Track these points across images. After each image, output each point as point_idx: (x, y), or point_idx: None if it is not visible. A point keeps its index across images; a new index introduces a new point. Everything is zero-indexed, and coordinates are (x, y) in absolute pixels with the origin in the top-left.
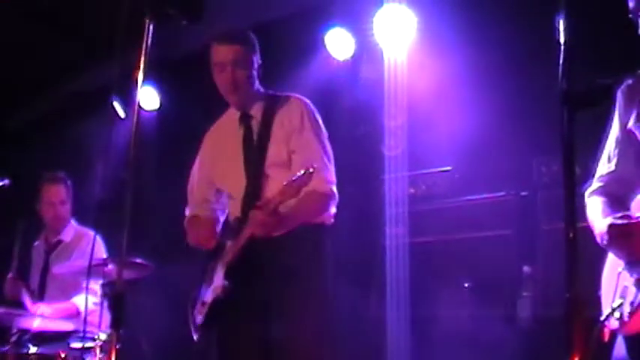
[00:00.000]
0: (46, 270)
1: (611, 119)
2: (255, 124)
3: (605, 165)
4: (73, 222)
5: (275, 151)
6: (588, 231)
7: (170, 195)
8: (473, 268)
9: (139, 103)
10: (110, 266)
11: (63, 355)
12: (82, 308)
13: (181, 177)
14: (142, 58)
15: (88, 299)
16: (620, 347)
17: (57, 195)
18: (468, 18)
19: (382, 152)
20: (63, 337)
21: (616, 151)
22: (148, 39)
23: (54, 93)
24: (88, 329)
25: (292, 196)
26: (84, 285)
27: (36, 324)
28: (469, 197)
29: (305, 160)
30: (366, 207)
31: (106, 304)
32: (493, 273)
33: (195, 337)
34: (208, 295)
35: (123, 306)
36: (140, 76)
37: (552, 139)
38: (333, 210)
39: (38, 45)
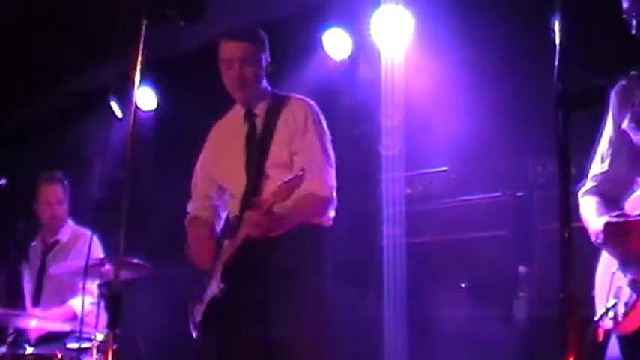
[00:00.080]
0: (42, 270)
1: (605, 120)
2: (259, 123)
3: (599, 165)
4: (70, 222)
5: (277, 151)
6: (583, 231)
7: (167, 195)
8: (469, 268)
9: (136, 104)
10: (107, 266)
11: (60, 356)
12: (78, 311)
13: (178, 177)
14: (139, 59)
15: (85, 299)
16: (613, 347)
17: (54, 195)
18: (464, 19)
19: (379, 152)
20: (60, 337)
21: (609, 152)
22: (145, 39)
23: (52, 93)
24: (84, 329)
25: (284, 198)
26: (80, 285)
27: (33, 324)
28: (465, 197)
29: (306, 163)
30: (363, 207)
31: (102, 304)
32: (489, 273)
33: (194, 335)
34: (207, 294)
35: (120, 306)
36: (137, 77)
37: (548, 140)
38: (331, 214)
39: (37, 45)
